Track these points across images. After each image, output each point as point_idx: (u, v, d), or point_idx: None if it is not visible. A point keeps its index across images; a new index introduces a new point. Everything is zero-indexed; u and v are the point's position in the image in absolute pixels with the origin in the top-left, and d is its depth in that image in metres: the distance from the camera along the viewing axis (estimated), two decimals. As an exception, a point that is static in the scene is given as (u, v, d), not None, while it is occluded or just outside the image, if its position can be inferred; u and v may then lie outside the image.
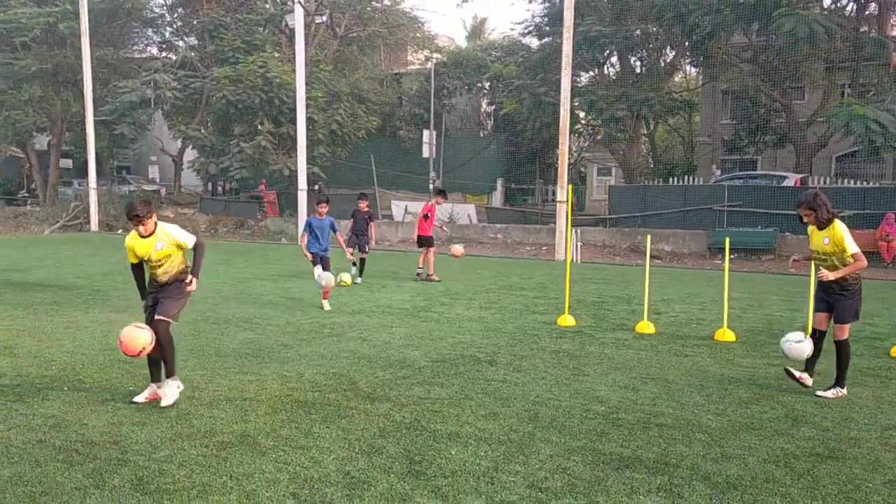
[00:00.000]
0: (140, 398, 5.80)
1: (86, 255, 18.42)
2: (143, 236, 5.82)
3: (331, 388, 6.34)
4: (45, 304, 10.48)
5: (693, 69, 34.58)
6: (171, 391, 5.78)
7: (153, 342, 5.60)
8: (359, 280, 13.40)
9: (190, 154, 33.30)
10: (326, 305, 10.65)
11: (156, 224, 5.85)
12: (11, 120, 31.02)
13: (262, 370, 6.94)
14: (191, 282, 5.92)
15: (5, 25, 29.52)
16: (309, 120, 25.54)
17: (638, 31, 26.28)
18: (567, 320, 9.62)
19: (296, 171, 25.58)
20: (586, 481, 4.39)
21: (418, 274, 14.18)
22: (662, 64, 29.06)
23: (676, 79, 35.52)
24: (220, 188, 37.73)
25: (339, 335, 8.71)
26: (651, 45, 27.91)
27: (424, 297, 11.87)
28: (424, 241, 14.08)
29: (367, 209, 13.79)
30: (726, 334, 8.70)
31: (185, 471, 4.46)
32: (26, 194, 37.57)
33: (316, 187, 27.38)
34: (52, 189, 34.35)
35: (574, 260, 19.43)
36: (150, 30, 35.54)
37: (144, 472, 4.43)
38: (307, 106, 24.86)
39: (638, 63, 29.61)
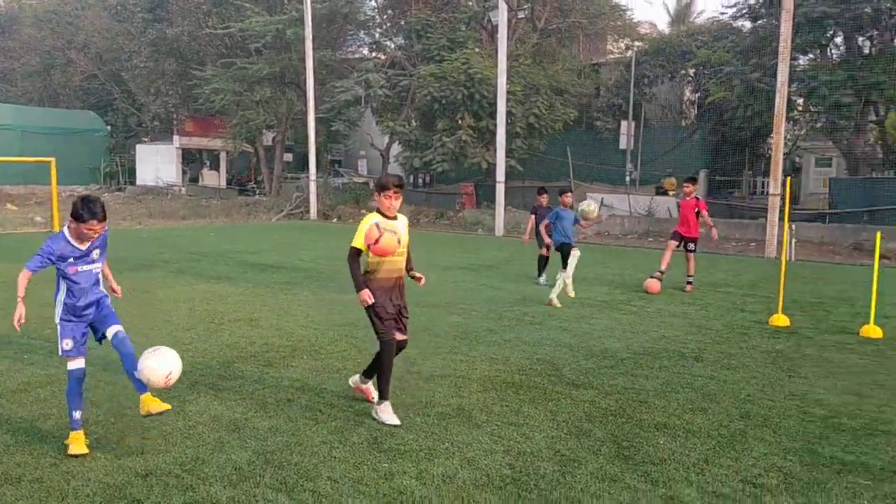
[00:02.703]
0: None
1: (308, 241, 20.34)
2: (389, 217, 5.26)
3: (536, 373, 6.63)
4: (280, 284, 11.83)
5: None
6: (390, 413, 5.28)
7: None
8: (542, 280, 12.31)
9: (395, 148, 35.33)
10: (556, 302, 10.17)
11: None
12: (245, 119, 34.86)
13: (471, 352, 7.40)
14: (420, 278, 5.55)
15: (242, 33, 33.15)
16: (508, 114, 26.07)
17: (868, 9, 23.80)
18: (780, 320, 9.14)
19: (493, 164, 26.27)
20: (804, 482, 4.29)
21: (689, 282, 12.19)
22: (897, 43, 26.02)
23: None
24: (420, 180, 39.66)
25: (540, 324, 8.99)
26: (883, 24, 25.11)
27: (623, 291, 11.81)
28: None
29: (547, 204, 12.86)
30: (971, 344, 7.83)
31: (412, 435, 4.96)
32: (254, 185, 42.00)
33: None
34: (278, 181, 38.06)
35: (788, 257, 18.19)
36: (363, 32, 38.10)
37: (378, 433, 5.00)
38: (506, 100, 25.39)
39: (867, 43, 26.77)
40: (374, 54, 37.26)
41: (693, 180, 12.63)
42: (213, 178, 43.67)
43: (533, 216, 12.83)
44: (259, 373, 6.47)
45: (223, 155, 43.84)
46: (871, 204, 21.34)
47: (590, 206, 11.21)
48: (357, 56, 38.51)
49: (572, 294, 10.93)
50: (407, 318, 5.47)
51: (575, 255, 10.75)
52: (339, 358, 7.05)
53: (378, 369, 5.30)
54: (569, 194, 11.37)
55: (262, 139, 38.75)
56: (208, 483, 4.16)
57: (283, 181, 38.44)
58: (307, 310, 9.57)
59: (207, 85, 34.53)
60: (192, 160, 45.61)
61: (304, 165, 37.72)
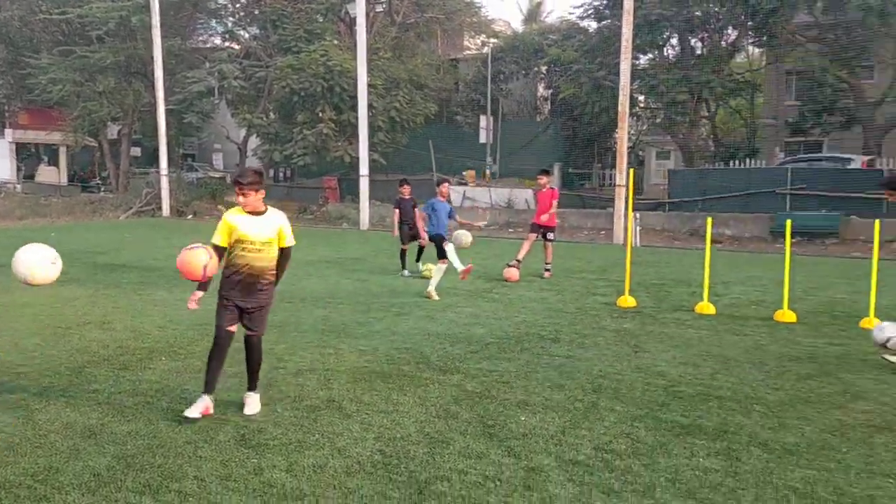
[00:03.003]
0: (193, 412, 5.07)
1: (162, 239, 19.37)
2: (250, 213, 5.18)
3: (404, 361, 6.77)
4: (133, 284, 11.24)
5: (756, 49, 33.79)
6: (258, 403, 5.34)
7: (212, 256, 5.04)
8: (420, 267, 12.42)
9: (254, 142, 34.31)
10: (435, 295, 10.20)
11: (266, 207, 5.28)
12: (87, 111, 32.51)
13: (339, 344, 7.43)
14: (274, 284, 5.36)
15: (81, 20, 30.88)
16: (369, 107, 26.06)
17: (699, 12, 25.92)
18: (627, 301, 9.86)
19: (356, 157, 26.19)
20: (649, 445, 4.71)
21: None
22: (724, 45, 28.56)
23: (739, 59, 34.78)
24: (281, 174, 38.79)
25: (408, 314, 9.15)
26: (712, 26, 27.47)
27: (486, 280, 12.23)
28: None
29: (410, 195, 12.86)
30: (787, 315, 8.82)
31: (280, 429, 4.95)
32: (99, 182, 39.33)
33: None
34: (125, 176, 35.85)
35: (634, 243, 19.51)
36: (214, 20, 36.60)
37: (245, 430, 4.94)
38: (367, 93, 25.38)
39: (699, 44, 29.17)
40: (227, 44, 35.91)
41: (546, 172, 13.23)
42: (51, 175, 40.39)
43: (397, 210, 12.87)
44: (114, 377, 6.17)
45: (63, 150, 40.69)
46: (704, 193, 23.31)
47: (466, 238, 12.04)
48: (209, 46, 36.95)
49: (461, 268, 10.78)
50: (256, 314, 5.29)
51: (450, 246, 10.86)
52: (200, 357, 6.82)
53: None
54: (445, 185, 11.55)
55: (106, 132, 36.29)
56: (64, 492, 3.95)
57: (130, 177, 36.23)
58: (164, 310, 9.18)
59: (44, 74, 31.85)
60: (27, 155, 42.00)
61: (154, 160, 35.73)
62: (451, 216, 11.14)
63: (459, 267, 10.81)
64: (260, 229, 5.17)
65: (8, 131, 39.05)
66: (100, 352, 7.01)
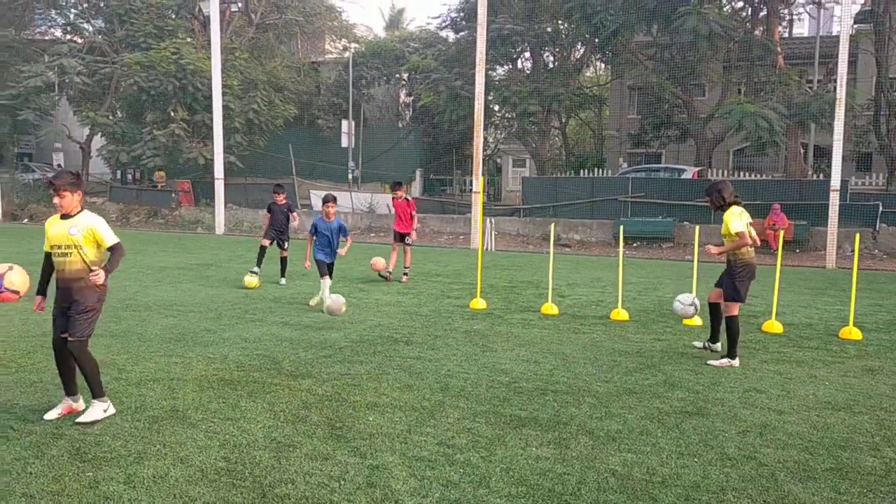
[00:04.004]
0: (52, 414, 5.21)
1: (-9, 246, 17.84)
2: (62, 216, 5.16)
3: (255, 368, 6.73)
4: (-44, 294, 10.31)
5: (602, 65, 36.02)
6: (96, 412, 5.20)
7: (10, 267, 5.10)
8: (283, 282, 12.38)
9: (98, 141, 32.29)
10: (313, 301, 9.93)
11: (81, 209, 5.21)
12: None
13: (187, 353, 7.25)
14: (97, 273, 5.12)
15: None
16: (225, 108, 25.33)
17: (549, 29, 27.28)
18: (479, 303, 10.27)
19: (212, 159, 25.35)
20: (488, 438, 5.00)
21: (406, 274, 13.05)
22: (573, 60, 30.22)
23: (588, 74, 36.92)
24: (129, 176, 36.74)
25: (261, 320, 9.05)
26: (561, 42, 29.00)
27: (344, 284, 12.29)
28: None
29: (284, 201, 12.70)
30: (621, 314, 9.55)
31: (119, 441, 4.80)
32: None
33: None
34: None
35: (488, 248, 20.22)
36: (54, 11, 34.13)
37: (80, 443, 4.75)
38: (223, 94, 24.65)
39: (550, 59, 30.68)
40: (69, 37, 33.61)
41: (399, 184, 13.63)
42: None
43: (269, 214, 12.63)
44: (-69, 395, 5.70)
45: None
46: (556, 200, 24.57)
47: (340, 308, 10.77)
48: (49, 38, 34.41)
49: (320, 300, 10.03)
50: (73, 318, 5.13)
51: (327, 281, 10.01)
52: (34, 371, 6.46)
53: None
54: (331, 203, 10.26)
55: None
56: None
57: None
58: (-8, 322, 8.53)
59: None
60: None
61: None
62: (344, 233, 10.30)
63: (327, 300, 9.13)
64: (65, 231, 5.12)
65: None
66: (-87, 369, 6.43)
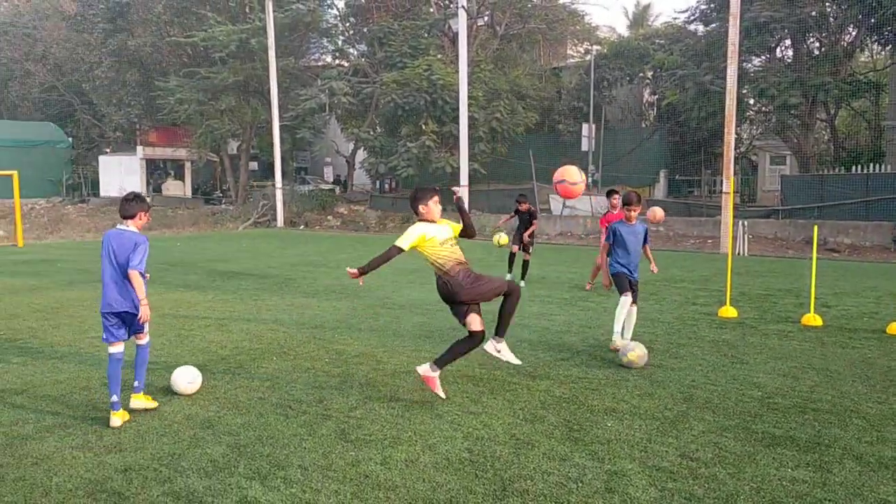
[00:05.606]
0: (426, 371, 5.92)
1: (276, 248, 20.50)
2: (433, 221, 6.09)
3: (496, 367, 6.99)
4: (249, 290, 12.05)
5: (879, 48, 31.77)
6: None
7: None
8: (522, 284, 12.30)
9: (361, 155, 35.56)
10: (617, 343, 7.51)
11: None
12: (210, 128, 34.83)
13: (435, 349, 7.73)
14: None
15: (205, 43, 33.14)
16: (470, 118, 26.52)
17: (813, 13, 24.75)
18: (729, 311, 9.65)
19: (458, 167, 26.68)
20: (736, 454, 4.70)
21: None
22: (843, 45, 27.09)
23: (862, 59, 32.82)
24: (386, 186, 39.93)
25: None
26: (829, 27, 26.14)
27: (582, 288, 12.25)
28: None
29: (526, 208, 12.73)
30: (901, 328, 8.39)
31: (377, 426, 5.28)
32: (220, 194, 41.90)
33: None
34: (244, 189, 38.03)
35: (740, 253, 18.87)
36: (326, 39, 38.31)
37: (345, 425, 5.31)
38: (468, 105, 25.84)
39: (815, 45, 27.81)
40: (337, 62, 37.51)
41: (615, 192, 11.36)
42: (177, 188, 43.44)
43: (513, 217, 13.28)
44: (230, 374, 6.73)
45: (188, 165, 43.64)
46: (821, 200, 22.19)
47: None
48: (320, 64, 38.71)
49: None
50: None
51: (627, 304, 7.53)
52: (308, 358, 7.33)
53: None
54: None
55: (227, 148, 38.71)
56: (185, 475, 4.43)
57: (249, 189, 38.42)
58: (276, 314, 9.82)
59: (171, 95, 34.41)
60: (155, 170, 45.33)
61: (270, 173, 37.74)
62: (646, 241, 7.83)
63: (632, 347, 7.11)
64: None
65: (139, 148, 42.34)
66: (218, 352, 7.64)
